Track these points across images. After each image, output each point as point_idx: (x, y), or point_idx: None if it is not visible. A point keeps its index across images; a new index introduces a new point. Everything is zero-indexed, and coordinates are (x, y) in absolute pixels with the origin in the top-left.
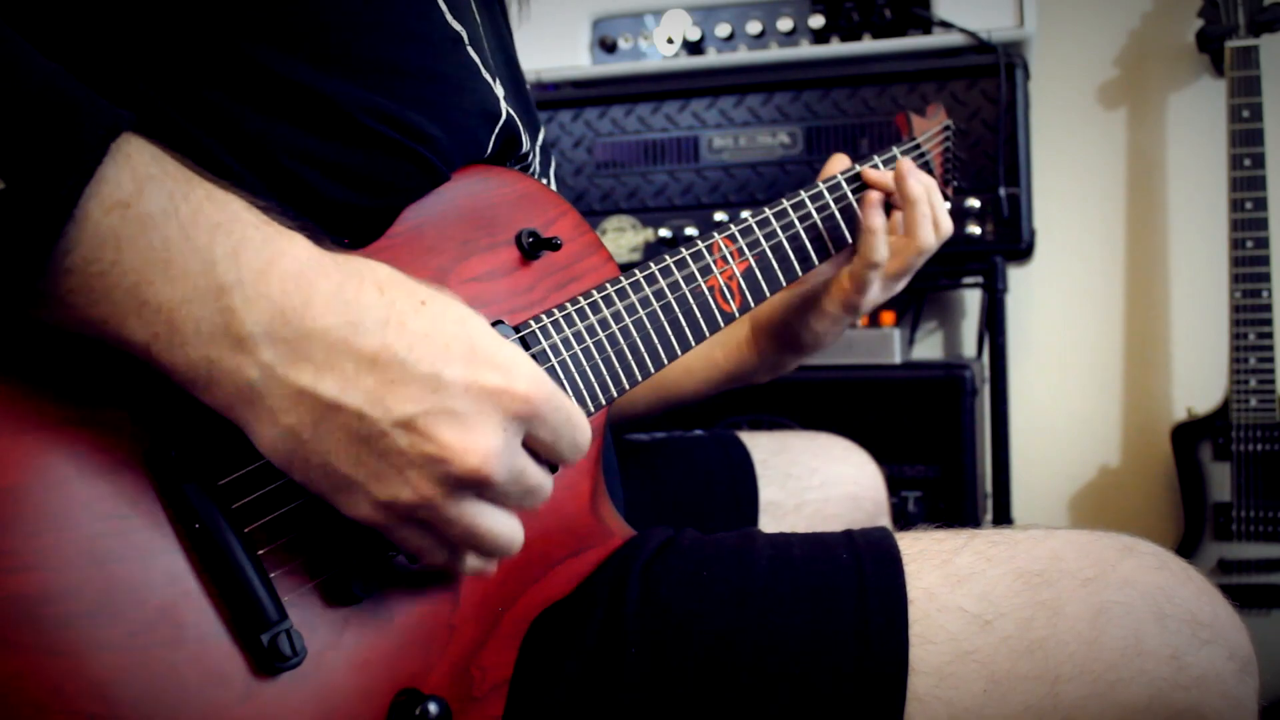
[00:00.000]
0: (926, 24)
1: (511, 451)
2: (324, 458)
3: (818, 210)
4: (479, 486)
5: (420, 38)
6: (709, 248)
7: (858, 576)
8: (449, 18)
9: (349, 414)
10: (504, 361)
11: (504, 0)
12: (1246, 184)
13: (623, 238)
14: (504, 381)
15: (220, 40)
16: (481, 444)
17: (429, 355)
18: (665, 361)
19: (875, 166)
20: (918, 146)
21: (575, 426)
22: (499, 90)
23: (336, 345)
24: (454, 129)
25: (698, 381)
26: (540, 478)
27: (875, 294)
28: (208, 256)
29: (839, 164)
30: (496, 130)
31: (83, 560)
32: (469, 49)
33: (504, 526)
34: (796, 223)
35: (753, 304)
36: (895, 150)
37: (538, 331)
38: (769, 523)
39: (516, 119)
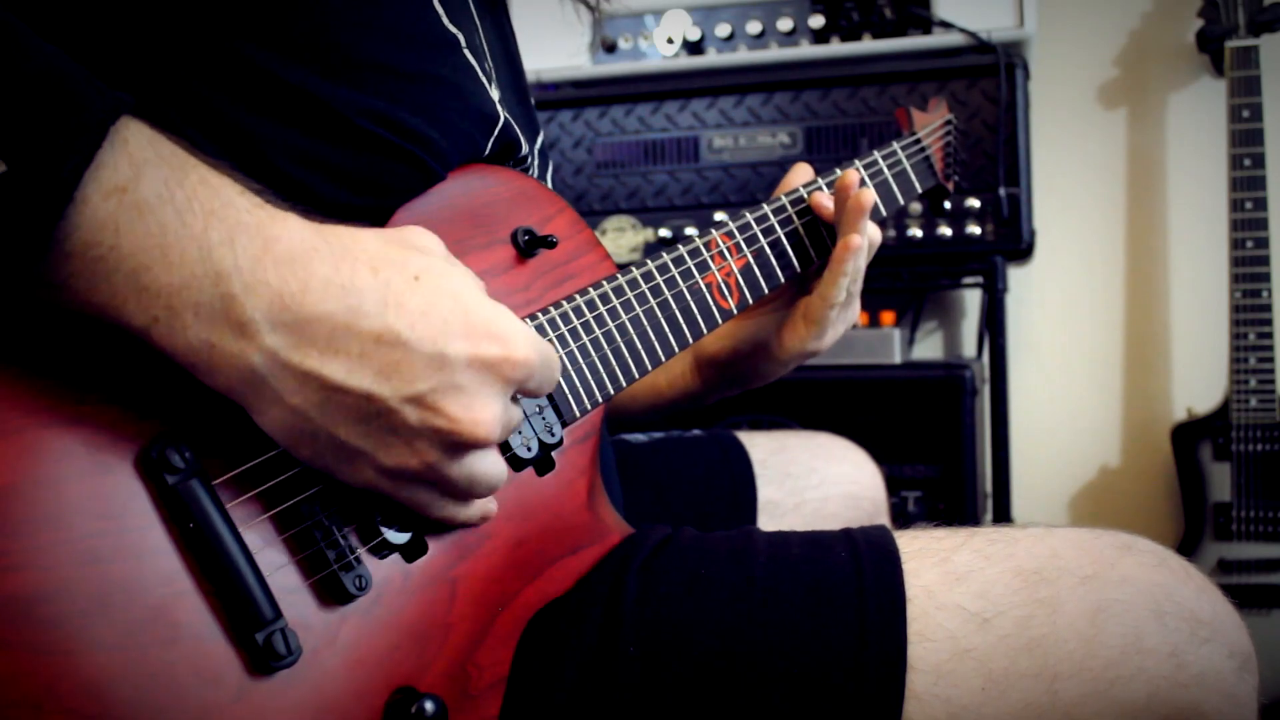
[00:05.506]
0: (926, 24)
1: (509, 412)
2: (331, 431)
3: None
4: (479, 448)
5: (416, 40)
6: (706, 245)
7: (856, 574)
8: (445, 21)
9: (357, 395)
10: (499, 331)
11: (507, 1)
12: (1246, 184)
13: (623, 238)
14: (503, 351)
15: (216, 40)
16: (486, 414)
17: (430, 333)
18: (663, 358)
19: (873, 163)
20: (918, 141)
21: (556, 371)
22: (495, 93)
23: (339, 329)
24: (450, 131)
25: (641, 405)
26: (519, 416)
27: (831, 337)
28: (204, 242)
29: (803, 175)
30: (494, 135)
31: (76, 559)
32: (466, 52)
33: (495, 467)
34: (795, 218)
35: (750, 300)
36: (895, 145)
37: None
38: (767, 522)
39: (514, 123)
